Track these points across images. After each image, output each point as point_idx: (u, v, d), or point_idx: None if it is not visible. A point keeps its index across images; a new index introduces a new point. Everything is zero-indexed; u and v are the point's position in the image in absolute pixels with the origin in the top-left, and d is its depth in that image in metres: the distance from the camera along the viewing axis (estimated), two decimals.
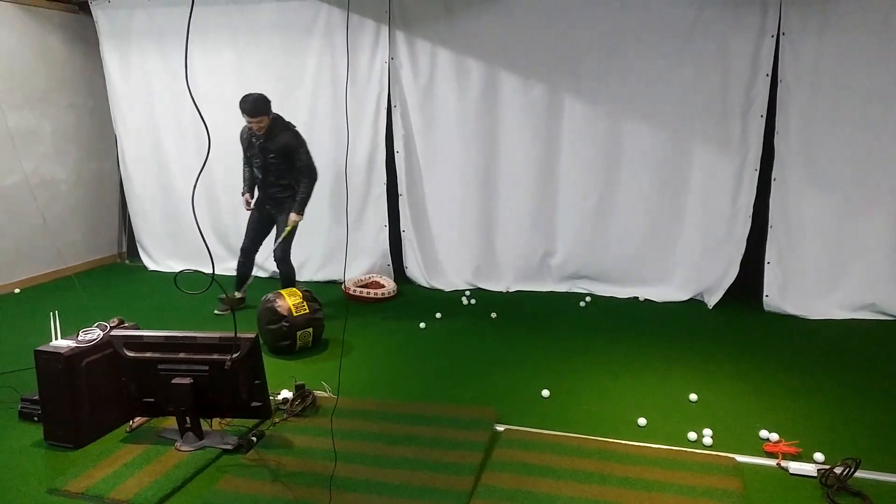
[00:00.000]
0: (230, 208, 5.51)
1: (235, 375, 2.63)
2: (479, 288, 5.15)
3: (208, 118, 2.07)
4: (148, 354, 2.67)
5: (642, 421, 2.96)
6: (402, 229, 5.19)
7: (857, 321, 4.33)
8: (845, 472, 2.44)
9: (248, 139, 4.42)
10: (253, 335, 2.62)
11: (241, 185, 4.58)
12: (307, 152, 4.36)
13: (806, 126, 4.29)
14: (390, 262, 5.26)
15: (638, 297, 4.87)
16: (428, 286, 5.18)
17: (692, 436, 2.83)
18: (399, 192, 5.13)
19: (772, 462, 2.63)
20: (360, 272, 5.24)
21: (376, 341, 4.08)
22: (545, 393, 3.27)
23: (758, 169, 4.46)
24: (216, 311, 4.58)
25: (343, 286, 4.99)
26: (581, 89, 4.68)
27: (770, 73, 4.31)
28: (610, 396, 3.27)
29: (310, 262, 5.40)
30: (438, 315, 4.53)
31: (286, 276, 4.51)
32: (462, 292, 5.05)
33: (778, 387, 3.36)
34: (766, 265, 4.49)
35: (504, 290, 5.11)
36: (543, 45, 4.67)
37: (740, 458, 2.64)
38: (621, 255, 4.89)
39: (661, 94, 4.56)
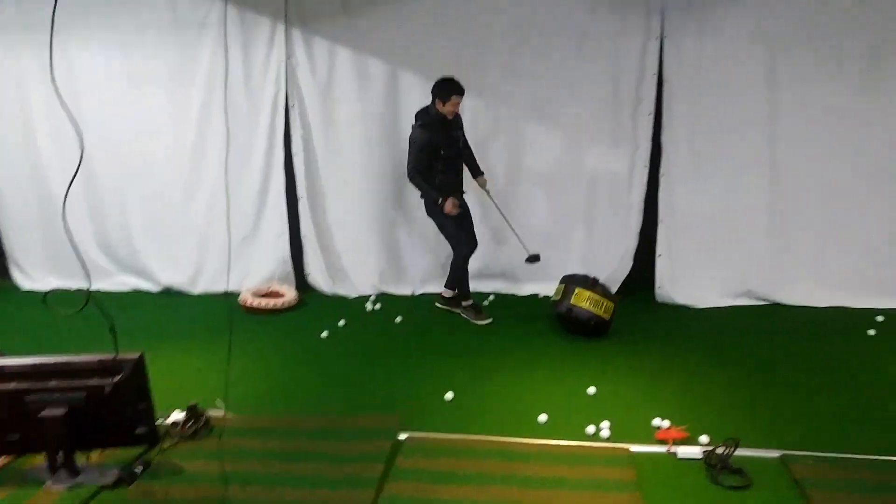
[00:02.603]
0: (116, 216, 5.13)
1: (117, 400, 2.43)
2: (385, 293, 5.06)
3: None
4: (12, 386, 2.42)
5: (543, 417, 3.02)
6: (302, 234, 5.03)
7: (737, 307, 4.61)
8: (726, 452, 2.59)
9: (440, 130, 4.19)
10: (137, 354, 2.43)
11: (419, 191, 4.36)
12: None
13: (689, 123, 4.53)
14: (291, 268, 5.07)
15: (538, 294, 4.98)
16: (331, 293, 5.05)
17: (590, 429, 2.91)
18: (298, 195, 4.97)
19: (663, 449, 2.75)
20: (258, 281, 5.02)
21: (275, 354, 3.93)
22: (448, 396, 3.26)
23: (647, 165, 4.67)
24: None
25: (239, 298, 4.76)
26: (481, 90, 4.71)
27: (656, 73, 4.52)
28: (512, 395, 3.31)
29: (203, 274, 5.13)
30: (342, 322, 4.42)
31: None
32: (367, 298, 4.95)
33: (669, 374, 3.52)
34: (657, 258, 4.72)
35: (411, 294, 5.07)
36: (442, 46, 4.65)
37: (634, 448, 2.74)
38: (520, 253, 4.98)
39: (558, 94, 4.66)
